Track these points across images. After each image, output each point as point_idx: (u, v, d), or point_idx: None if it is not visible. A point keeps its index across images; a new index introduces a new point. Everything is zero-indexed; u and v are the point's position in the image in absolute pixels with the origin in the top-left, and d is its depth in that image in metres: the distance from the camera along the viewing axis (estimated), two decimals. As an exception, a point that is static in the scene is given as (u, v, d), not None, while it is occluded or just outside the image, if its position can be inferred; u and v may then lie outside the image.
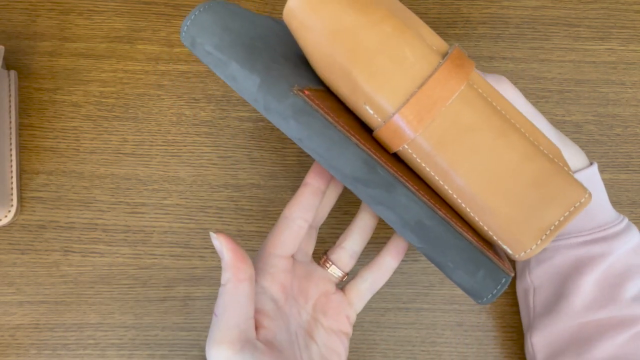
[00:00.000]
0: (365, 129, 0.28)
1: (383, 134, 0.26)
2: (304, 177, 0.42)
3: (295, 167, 0.43)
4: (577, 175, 0.34)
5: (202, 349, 0.40)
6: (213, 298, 0.41)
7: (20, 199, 0.41)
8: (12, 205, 0.40)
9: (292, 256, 0.30)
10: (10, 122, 0.41)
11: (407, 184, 0.25)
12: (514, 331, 0.41)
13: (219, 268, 0.41)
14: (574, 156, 0.35)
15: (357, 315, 0.40)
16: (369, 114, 0.26)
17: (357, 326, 0.41)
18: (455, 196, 0.26)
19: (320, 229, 0.42)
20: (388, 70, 0.25)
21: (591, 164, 0.36)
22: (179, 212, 0.42)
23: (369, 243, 0.42)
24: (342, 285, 0.36)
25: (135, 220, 0.41)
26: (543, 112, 0.44)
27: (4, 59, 0.43)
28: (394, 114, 0.25)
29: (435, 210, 0.25)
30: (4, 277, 0.40)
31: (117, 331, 0.40)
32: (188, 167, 0.42)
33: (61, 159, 0.42)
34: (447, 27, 0.45)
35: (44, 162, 0.42)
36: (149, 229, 0.41)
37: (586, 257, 0.34)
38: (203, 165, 0.42)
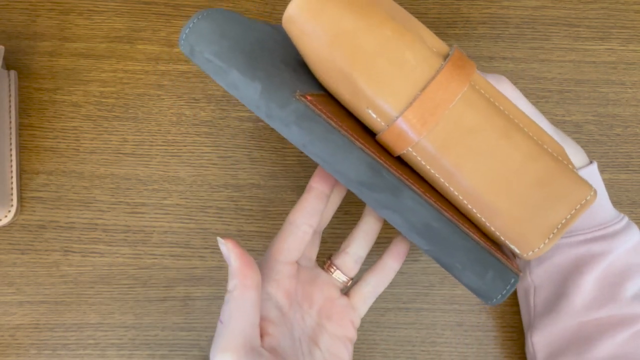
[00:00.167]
0: (368, 132, 0.28)
1: (387, 137, 0.26)
2: (304, 177, 0.42)
3: (295, 167, 0.43)
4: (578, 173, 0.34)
5: (202, 349, 0.40)
6: (213, 298, 0.41)
7: (20, 199, 0.41)
8: (12, 205, 0.40)
9: (297, 261, 0.30)
10: (10, 122, 0.41)
11: (413, 187, 0.25)
12: (514, 331, 0.41)
13: (218, 268, 0.41)
14: (573, 155, 0.35)
15: (357, 315, 0.40)
16: (372, 118, 0.26)
17: (357, 326, 0.41)
18: (461, 197, 0.26)
19: (320, 229, 0.42)
20: (390, 74, 0.25)
21: (591, 162, 0.36)
22: (179, 212, 0.42)
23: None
24: (345, 290, 0.35)
25: (135, 220, 0.41)
26: (543, 112, 0.44)
27: (4, 59, 0.43)
28: (397, 117, 0.25)
29: (442, 212, 0.25)
30: (4, 277, 0.40)
31: (117, 331, 0.40)
32: (188, 167, 0.42)
33: (61, 159, 0.42)
34: (447, 27, 0.45)
35: (44, 162, 0.42)
36: (149, 229, 0.41)
37: (586, 256, 0.34)
38: (203, 165, 0.42)
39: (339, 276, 0.32)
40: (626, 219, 0.35)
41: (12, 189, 0.40)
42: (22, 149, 0.42)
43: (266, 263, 0.29)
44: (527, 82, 0.45)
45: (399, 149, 0.26)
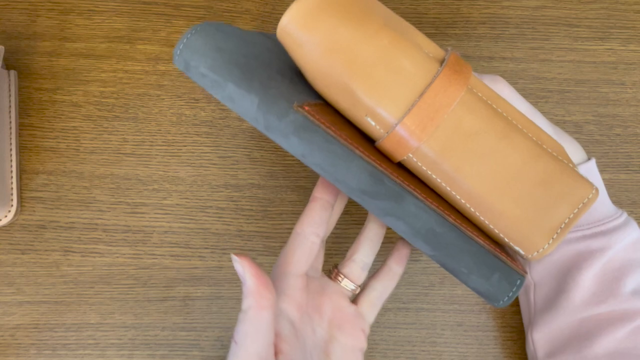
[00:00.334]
0: (367, 139, 0.28)
1: (386, 144, 0.26)
2: (304, 177, 0.42)
3: (295, 167, 0.43)
4: None
5: (202, 349, 0.40)
6: (213, 298, 0.41)
7: (20, 199, 0.41)
8: (12, 205, 0.40)
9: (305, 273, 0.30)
10: (10, 122, 0.41)
11: (415, 193, 0.25)
12: (514, 331, 0.41)
13: (219, 268, 0.41)
14: (571, 151, 0.35)
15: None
16: (371, 125, 0.26)
17: (357, 326, 0.41)
18: (463, 201, 0.27)
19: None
20: (387, 82, 0.25)
21: (589, 159, 0.36)
22: (179, 212, 0.42)
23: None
24: (353, 297, 0.35)
25: (135, 220, 0.41)
26: (543, 112, 0.44)
27: (4, 59, 0.43)
28: (396, 124, 0.25)
29: (445, 216, 0.25)
30: (4, 277, 0.40)
31: (117, 331, 0.40)
32: (188, 167, 0.42)
33: (61, 159, 0.42)
34: (447, 27, 0.45)
35: (44, 162, 0.42)
36: (149, 229, 0.41)
37: (585, 252, 0.34)
38: (203, 165, 0.42)
39: (347, 284, 0.32)
40: (625, 214, 0.35)
41: (12, 189, 0.40)
42: (22, 149, 0.42)
43: (276, 277, 0.29)
44: (527, 82, 0.45)
45: (400, 155, 0.26)
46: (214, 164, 0.42)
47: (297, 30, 0.24)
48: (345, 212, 0.42)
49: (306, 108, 0.24)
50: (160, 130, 0.42)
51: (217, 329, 0.40)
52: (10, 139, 0.41)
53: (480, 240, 0.25)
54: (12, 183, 0.40)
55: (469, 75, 0.26)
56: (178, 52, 0.24)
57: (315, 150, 0.24)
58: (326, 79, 0.25)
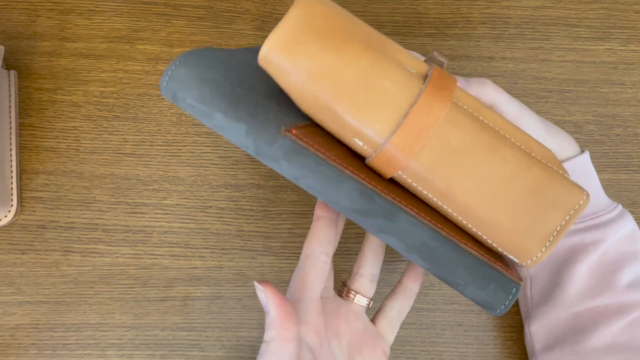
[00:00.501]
0: (358, 157, 0.28)
1: (376, 163, 0.26)
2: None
3: (295, 167, 0.43)
4: (568, 163, 0.35)
5: (202, 349, 0.40)
6: (213, 298, 0.41)
7: (20, 199, 0.41)
8: (12, 205, 0.40)
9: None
10: (10, 122, 0.41)
11: (407, 209, 0.25)
12: (514, 331, 0.41)
13: (219, 268, 0.41)
14: (563, 144, 0.35)
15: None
16: (359, 146, 0.26)
17: (357, 326, 0.41)
18: (455, 214, 0.27)
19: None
20: (371, 104, 0.25)
21: (583, 151, 0.36)
22: (179, 212, 0.42)
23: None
24: (369, 312, 0.35)
25: (135, 220, 0.41)
26: (543, 112, 0.44)
27: (4, 59, 0.43)
28: (383, 144, 0.25)
29: (439, 230, 0.25)
30: (4, 277, 0.40)
31: (117, 331, 0.40)
32: (188, 167, 0.42)
33: (61, 159, 0.42)
34: (447, 27, 0.45)
35: (44, 162, 0.42)
36: (149, 229, 0.41)
37: (580, 245, 0.34)
38: (203, 165, 0.42)
39: (360, 300, 0.31)
40: (619, 207, 0.35)
41: (12, 189, 0.40)
42: (22, 149, 0.42)
43: (292, 302, 0.28)
44: (527, 82, 0.45)
45: (390, 172, 0.26)
46: (214, 164, 0.42)
47: (278, 59, 0.24)
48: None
49: (294, 132, 0.24)
50: (160, 130, 0.42)
51: (217, 329, 0.40)
52: (10, 139, 0.41)
53: (475, 251, 0.26)
54: (12, 183, 0.40)
55: (452, 90, 0.26)
56: (164, 84, 0.24)
57: (306, 173, 0.24)
58: (311, 103, 0.25)
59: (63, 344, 0.40)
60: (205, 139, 0.42)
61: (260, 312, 0.41)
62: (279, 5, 0.45)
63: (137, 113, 0.43)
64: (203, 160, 0.42)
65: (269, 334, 0.25)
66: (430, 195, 0.27)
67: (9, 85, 0.42)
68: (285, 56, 0.24)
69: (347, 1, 0.45)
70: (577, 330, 0.34)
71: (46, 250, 0.41)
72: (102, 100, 0.43)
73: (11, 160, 0.41)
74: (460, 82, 0.33)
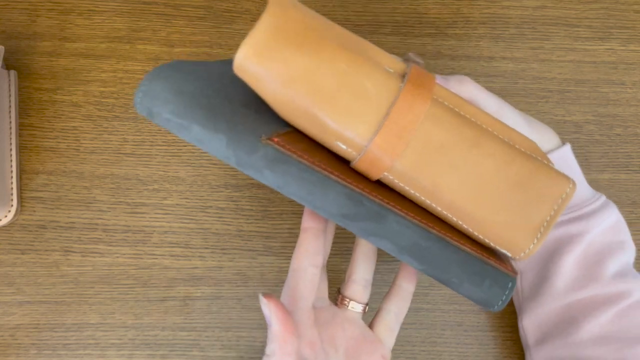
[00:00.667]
0: (342, 160, 0.28)
1: (360, 165, 0.26)
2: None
3: (295, 167, 0.43)
4: (550, 156, 0.35)
5: (202, 349, 0.40)
6: (213, 298, 0.41)
7: (20, 199, 0.41)
8: (12, 205, 0.40)
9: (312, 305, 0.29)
10: (10, 122, 0.41)
11: (396, 210, 0.25)
12: (514, 331, 0.41)
13: (219, 268, 0.41)
14: (544, 137, 0.35)
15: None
16: (343, 149, 0.26)
17: (357, 326, 0.41)
18: (445, 212, 0.27)
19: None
20: (352, 106, 0.25)
21: (564, 144, 0.36)
22: (179, 212, 0.42)
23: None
24: (365, 317, 0.35)
25: (135, 220, 0.41)
26: (543, 112, 0.44)
27: (4, 59, 0.43)
28: (367, 146, 0.25)
29: (429, 229, 0.25)
30: (4, 277, 0.40)
31: (117, 331, 0.40)
32: (188, 167, 0.42)
33: (61, 159, 0.42)
34: (447, 27, 0.45)
35: (44, 162, 0.42)
36: (149, 229, 0.41)
37: (565, 237, 0.34)
38: (203, 165, 0.42)
39: (355, 306, 0.31)
40: (603, 197, 0.35)
41: (12, 189, 0.40)
42: (22, 149, 0.42)
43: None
44: (527, 82, 0.45)
45: (375, 174, 0.26)
46: (214, 164, 0.42)
47: (253, 66, 0.24)
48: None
49: (275, 140, 0.24)
50: (160, 130, 0.42)
51: (217, 329, 0.40)
52: (10, 139, 0.41)
53: (467, 248, 0.25)
54: (12, 183, 0.41)
55: (432, 87, 0.26)
56: (139, 100, 0.23)
57: (290, 181, 0.23)
58: (290, 108, 0.25)
59: (63, 344, 0.40)
60: (205, 139, 0.42)
61: (261, 312, 0.41)
62: (279, 5, 0.44)
63: (137, 113, 0.43)
64: (203, 160, 0.42)
65: (270, 348, 0.25)
66: (417, 195, 0.26)
67: (9, 85, 0.42)
68: (259, 62, 0.24)
69: (347, 1, 0.45)
70: (566, 322, 0.34)
71: (46, 250, 0.41)
72: (102, 100, 0.43)
73: (11, 160, 0.41)
74: (439, 80, 0.33)
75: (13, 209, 0.40)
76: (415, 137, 0.25)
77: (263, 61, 0.24)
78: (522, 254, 0.26)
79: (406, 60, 0.28)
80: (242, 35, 0.44)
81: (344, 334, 0.30)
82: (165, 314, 0.40)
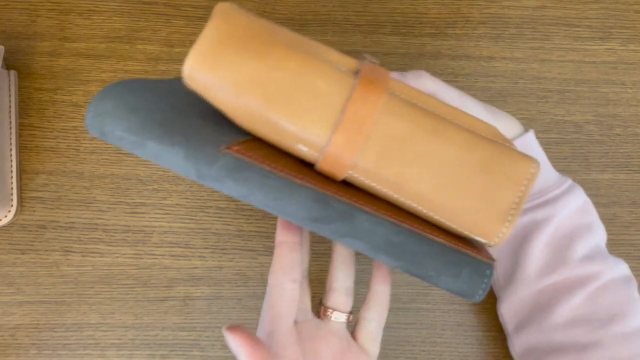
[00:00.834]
0: (307, 164, 0.27)
1: (324, 166, 0.26)
2: (304, 177, 0.42)
3: (295, 167, 0.43)
4: (514, 143, 0.35)
5: (202, 349, 0.40)
6: (213, 298, 0.41)
7: (20, 199, 0.41)
8: (12, 205, 0.40)
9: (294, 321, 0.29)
10: (10, 122, 0.41)
11: (365, 208, 0.25)
12: (514, 331, 0.41)
13: (219, 268, 0.41)
14: (507, 126, 0.35)
15: (357, 315, 0.40)
16: (304, 151, 0.26)
17: (357, 326, 0.41)
18: (414, 205, 0.26)
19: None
20: (306, 106, 0.25)
21: (527, 131, 0.36)
22: (179, 212, 0.42)
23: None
24: (350, 326, 0.34)
25: (135, 220, 0.41)
26: (543, 112, 0.44)
27: (4, 59, 0.43)
28: (326, 145, 0.25)
29: (400, 224, 0.25)
30: (4, 277, 0.40)
31: (117, 331, 0.40)
32: (188, 167, 0.42)
33: (61, 159, 0.42)
34: (447, 27, 0.45)
35: (44, 162, 0.42)
36: (149, 229, 0.41)
37: (532, 224, 0.35)
38: (203, 165, 0.42)
39: (338, 317, 0.30)
40: (569, 181, 0.36)
41: (12, 189, 0.40)
42: (22, 149, 0.42)
43: (264, 338, 0.27)
44: (527, 82, 0.45)
45: (340, 174, 0.26)
46: (214, 164, 0.42)
47: (201, 75, 0.24)
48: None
49: (234, 148, 0.23)
50: (160, 130, 0.42)
51: (217, 329, 0.40)
52: (10, 139, 0.41)
53: (441, 239, 0.25)
54: (12, 183, 0.41)
55: (386, 81, 0.26)
56: (89, 121, 0.23)
57: (254, 189, 0.23)
58: (245, 115, 0.25)
59: (63, 344, 0.40)
60: (205, 139, 0.42)
61: (261, 312, 0.41)
62: (279, 5, 0.45)
63: (137, 113, 0.43)
64: (203, 160, 0.42)
65: None
66: (385, 190, 0.26)
67: (9, 85, 0.42)
68: (208, 70, 0.24)
69: (347, 1, 0.45)
70: (540, 307, 0.34)
71: (46, 250, 0.41)
72: (102, 100, 0.43)
73: (11, 160, 0.41)
74: (396, 76, 0.33)
75: (13, 209, 0.40)
76: (374, 133, 0.25)
77: (211, 69, 0.24)
78: (497, 239, 0.26)
79: (362, 59, 0.28)
80: (242, 35, 0.44)
81: (328, 347, 0.29)
82: (165, 314, 0.40)
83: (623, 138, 0.44)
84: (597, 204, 0.43)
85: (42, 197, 0.41)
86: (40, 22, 0.43)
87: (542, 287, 0.34)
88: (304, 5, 0.45)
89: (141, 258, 0.41)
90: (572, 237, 0.34)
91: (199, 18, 0.44)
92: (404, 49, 0.45)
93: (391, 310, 0.41)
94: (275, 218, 0.42)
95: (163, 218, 0.41)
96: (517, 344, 0.36)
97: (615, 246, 0.43)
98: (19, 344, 0.40)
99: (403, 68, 0.44)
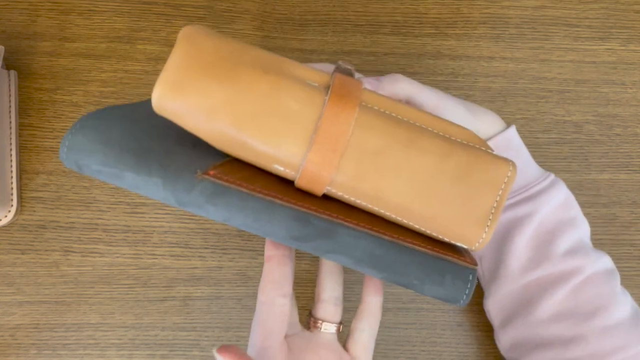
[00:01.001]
0: (288, 182, 0.28)
1: (302, 183, 0.26)
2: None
3: (295, 167, 0.43)
4: (495, 140, 0.35)
5: (202, 349, 0.40)
6: (213, 298, 0.41)
7: (20, 199, 0.41)
8: (12, 205, 0.40)
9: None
10: (10, 122, 0.41)
11: (345, 222, 0.25)
12: (514, 331, 0.41)
13: (219, 268, 0.41)
14: (488, 123, 0.35)
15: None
16: (281, 170, 0.26)
17: (357, 326, 0.41)
18: (394, 216, 0.26)
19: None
20: (278, 127, 0.25)
21: (509, 126, 0.36)
22: (179, 212, 0.42)
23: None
24: (340, 337, 0.34)
25: (135, 220, 0.41)
26: (543, 112, 0.44)
27: (4, 59, 0.43)
28: (302, 164, 0.25)
29: (381, 236, 0.25)
30: (4, 277, 0.40)
31: (117, 331, 0.40)
32: (188, 167, 0.42)
33: (61, 159, 0.42)
34: (447, 27, 0.45)
35: (44, 162, 0.42)
36: (149, 229, 0.41)
37: (514, 220, 0.35)
38: (203, 165, 0.42)
39: (328, 327, 0.30)
40: (552, 176, 0.36)
41: (12, 189, 0.40)
42: (22, 149, 0.42)
43: (254, 355, 0.27)
44: (527, 82, 0.45)
45: (319, 190, 0.26)
46: (214, 164, 0.42)
47: (170, 103, 0.24)
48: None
49: (211, 173, 0.24)
50: (160, 130, 0.42)
51: (217, 329, 0.40)
52: (10, 139, 0.41)
53: (423, 247, 0.25)
54: (12, 183, 0.41)
55: (358, 95, 0.26)
56: (64, 156, 0.23)
57: (234, 212, 0.23)
58: (219, 139, 0.25)
59: (63, 344, 0.40)
60: (205, 139, 0.42)
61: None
62: (279, 5, 0.45)
63: (137, 113, 0.43)
64: (203, 160, 0.42)
65: None
66: (364, 203, 0.26)
67: (9, 85, 0.42)
68: (177, 99, 0.24)
69: (347, 1, 0.45)
70: (525, 303, 0.35)
71: (46, 250, 0.41)
72: (102, 100, 0.43)
73: (11, 160, 0.41)
74: (371, 82, 0.33)
75: (13, 209, 0.40)
76: (349, 147, 0.25)
77: (180, 97, 0.24)
78: (477, 244, 0.26)
79: (337, 69, 0.28)
80: (242, 35, 0.44)
81: (319, 359, 0.29)
82: (165, 314, 0.40)
83: (623, 138, 0.44)
84: (597, 204, 0.43)
85: (42, 197, 0.41)
86: (40, 22, 0.43)
87: (526, 282, 0.34)
88: (304, 5, 0.45)
89: (141, 258, 0.41)
90: (554, 233, 0.34)
91: (199, 18, 0.44)
92: (404, 49, 0.45)
93: (391, 310, 0.41)
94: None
95: (163, 218, 0.41)
96: (503, 339, 0.36)
97: (615, 246, 0.43)
98: (19, 344, 0.40)
99: (403, 68, 0.44)
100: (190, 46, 0.24)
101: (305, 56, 0.44)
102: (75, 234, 0.41)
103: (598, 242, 0.43)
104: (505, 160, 0.26)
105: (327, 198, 0.27)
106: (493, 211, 0.26)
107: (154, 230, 0.41)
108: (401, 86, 0.33)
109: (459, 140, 0.27)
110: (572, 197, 0.36)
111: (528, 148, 0.44)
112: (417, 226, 0.27)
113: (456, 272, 0.25)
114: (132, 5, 0.44)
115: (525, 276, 0.34)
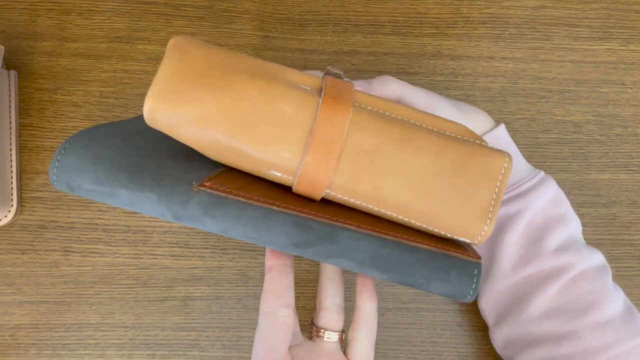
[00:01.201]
0: (285, 188, 0.27)
1: (300, 188, 0.26)
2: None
3: (295, 167, 0.43)
4: (484, 138, 0.35)
5: (202, 349, 0.40)
6: (213, 298, 0.41)
7: (20, 199, 0.41)
8: (12, 205, 0.40)
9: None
10: (10, 122, 0.41)
11: (346, 225, 0.24)
12: (514, 331, 0.41)
13: (219, 268, 0.41)
14: (478, 122, 0.36)
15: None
16: (278, 176, 0.26)
17: (357, 326, 0.41)
18: (395, 214, 0.26)
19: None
20: (273, 132, 0.24)
21: (498, 124, 0.36)
22: (179, 212, 0.42)
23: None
24: (343, 346, 0.34)
25: (135, 220, 0.41)
26: (543, 112, 0.44)
27: (4, 59, 0.43)
28: (299, 168, 0.25)
29: (384, 236, 0.25)
30: (4, 277, 0.40)
31: (117, 331, 0.40)
32: (188, 167, 0.42)
33: (61, 159, 0.42)
34: (447, 27, 0.45)
35: (44, 162, 0.42)
36: (149, 229, 0.41)
37: (505, 217, 0.35)
38: (203, 165, 0.42)
39: (330, 336, 0.29)
40: (541, 173, 0.36)
41: (12, 189, 0.40)
42: (22, 149, 0.42)
43: None
44: (527, 82, 0.45)
45: (317, 194, 0.26)
46: (214, 164, 0.42)
47: (162, 115, 0.24)
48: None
49: (207, 184, 0.23)
50: (160, 130, 0.42)
51: (217, 329, 0.40)
52: (10, 139, 0.41)
53: (426, 245, 0.25)
54: (12, 183, 0.41)
55: (350, 97, 0.26)
56: (54, 178, 0.22)
57: (232, 223, 0.23)
58: (214, 148, 0.25)
59: (63, 344, 0.40)
60: (205, 139, 0.42)
61: (260, 312, 0.41)
62: (279, 5, 0.45)
63: (137, 113, 0.43)
64: (203, 160, 0.42)
65: None
66: (364, 204, 0.26)
67: (9, 85, 0.42)
68: (168, 110, 0.23)
69: (347, 1, 0.45)
70: (517, 300, 0.35)
71: (46, 250, 0.41)
72: (102, 100, 0.43)
73: (11, 160, 0.41)
74: (362, 84, 0.33)
75: (13, 209, 0.40)
76: (345, 148, 0.25)
77: (171, 108, 0.23)
78: (479, 237, 0.26)
79: (326, 74, 0.28)
80: (242, 35, 0.44)
81: None
82: (165, 314, 0.40)
83: (623, 138, 0.44)
84: (597, 204, 0.43)
85: (42, 197, 0.41)
86: (40, 22, 0.43)
87: (518, 280, 0.35)
88: (304, 5, 0.45)
89: (141, 258, 0.41)
90: (545, 229, 0.34)
91: (199, 18, 0.44)
92: (404, 49, 0.45)
93: (391, 310, 0.41)
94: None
95: (163, 218, 0.41)
96: (497, 337, 0.36)
97: (615, 246, 0.43)
98: (19, 344, 0.40)
99: (403, 68, 0.44)
100: (179, 55, 0.24)
101: (305, 56, 0.44)
102: (75, 234, 0.41)
103: (598, 242, 0.43)
104: (501, 151, 0.26)
105: (325, 202, 0.27)
106: (493, 202, 0.26)
107: (154, 230, 0.41)
108: (391, 87, 0.33)
109: (454, 135, 0.27)
110: (562, 194, 0.36)
111: (528, 148, 0.44)
112: (418, 223, 0.27)
113: (461, 267, 0.25)
114: (132, 5, 0.44)
115: (517, 273, 0.34)
